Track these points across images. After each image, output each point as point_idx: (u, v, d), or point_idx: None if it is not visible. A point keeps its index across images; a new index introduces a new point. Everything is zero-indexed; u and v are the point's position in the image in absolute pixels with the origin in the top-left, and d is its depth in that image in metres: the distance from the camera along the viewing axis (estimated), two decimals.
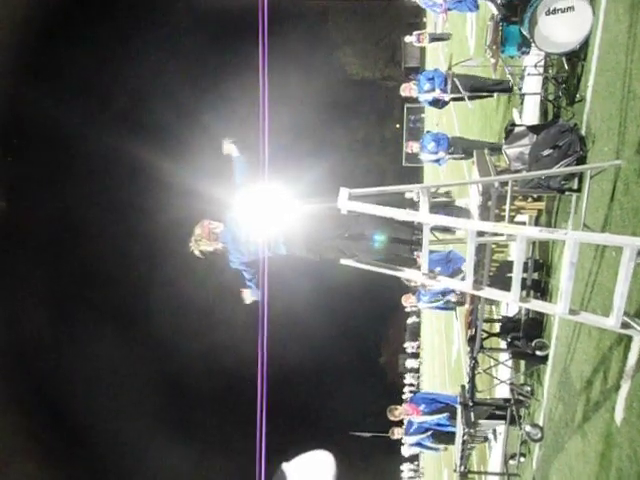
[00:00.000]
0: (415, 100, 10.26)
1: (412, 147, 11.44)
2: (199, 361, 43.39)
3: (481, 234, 4.77)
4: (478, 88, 8.74)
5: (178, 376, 44.02)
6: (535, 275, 6.95)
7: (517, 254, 4.16)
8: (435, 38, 16.80)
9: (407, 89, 9.70)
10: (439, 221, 4.42)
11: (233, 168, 5.23)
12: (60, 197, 42.26)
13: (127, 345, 41.88)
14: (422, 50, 33.94)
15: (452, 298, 9.86)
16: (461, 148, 9.70)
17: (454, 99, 9.14)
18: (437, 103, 9.48)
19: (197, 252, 5.08)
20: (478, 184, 6.06)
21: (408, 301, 11.87)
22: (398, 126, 43.87)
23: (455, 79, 8.57)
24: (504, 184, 5.83)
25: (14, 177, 42.10)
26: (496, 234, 5.14)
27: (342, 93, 46.80)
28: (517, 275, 4.14)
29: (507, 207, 5.58)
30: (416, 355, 43.16)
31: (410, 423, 8.68)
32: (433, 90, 9.07)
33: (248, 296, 5.21)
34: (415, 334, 43.41)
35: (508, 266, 6.49)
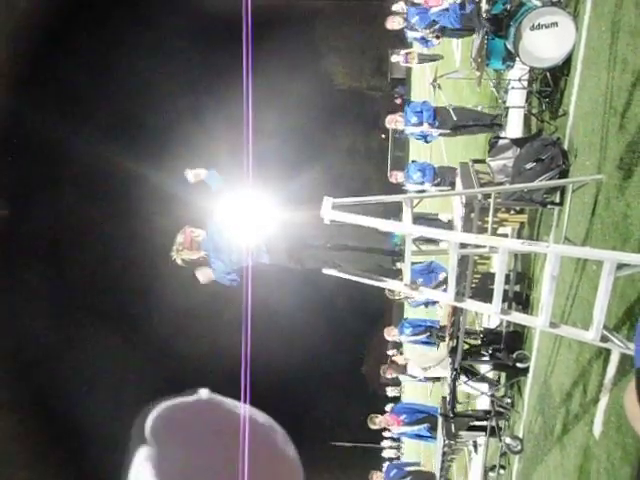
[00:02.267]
0: (401, 132, 10.11)
1: (397, 177, 11.06)
2: (200, 363, 43.26)
3: (464, 246, 4.79)
4: (473, 121, 8.59)
5: (179, 379, 43.75)
6: (517, 288, 6.99)
7: (499, 266, 4.18)
8: (424, 59, 16.40)
9: (393, 121, 9.45)
10: (422, 232, 4.43)
11: (206, 183, 5.18)
12: (60, 202, 41.92)
13: (129, 349, 41.54)
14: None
15: (436, 326, 9.69)
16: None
17: (443, 134, 8.95)
18: (424, 137, 9.24)
19: (179, 261, 5.03)
20: (461, 196, 6.09)
21: (391, 334, 11.27)
22: (384, 136, 44.06)
23: (451, 110, 8.41)
24: (487, 196, 5.87)
25: (14, 184, 41.66)
26: (478, 246, 5.16)
27: (328, 102, 46.87)
28: (499, 287, 4.16)
29: (490, 219, 5.60)
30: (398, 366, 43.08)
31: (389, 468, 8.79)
32: (420, 124, 8.83)
33: (205, 274, 5.06)
34: (398, 344, 43.39)
35: (490, 278, 6.52)
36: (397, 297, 8.24)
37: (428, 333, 9.72)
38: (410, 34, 9.57)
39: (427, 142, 9.63)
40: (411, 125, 8.98)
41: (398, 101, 38.87)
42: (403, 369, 10.77)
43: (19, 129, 40.32)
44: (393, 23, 9.72)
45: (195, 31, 41.87)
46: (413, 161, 11.22)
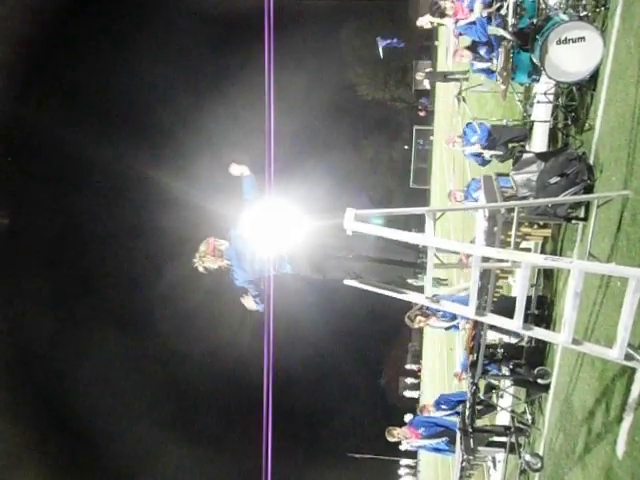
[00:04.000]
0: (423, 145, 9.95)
1: (456, 196, 10.70)
2: (204, 366, 43.39)
3: (486, 260, 4.76)
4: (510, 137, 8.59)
5: (183, 380, 43.96)
6: (537, 312, 6.89)
7: (521, 281, 4.14)
8: (449, 78, 15.94)
9: (451, 141, 9.54)
10: (444, 244, 4.42)
11: (242, 185, 5.25)
12: (61, 203, 42.43)
13: (131, 350, 41.89)
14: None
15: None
16: None
17: (497, 156, 8.88)
18: (479, 158, 9.18)
19: (201, 268, 5.09)
20: (484, 209, 6.06)
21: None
22: (407, 147, 44.03)
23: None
24: (510, 210, 5.83)
25: (15, 187, 42.30)
26: (501, 260, 5.13)
27: (351, 112, 47.03)
28: (521, 302, 4.12)
29: (513, 233, 5.56)
30: (416, 376, 42.97)
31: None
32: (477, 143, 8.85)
33: (250, 303, 5.20)
34: (417, 357, 43.22)
35: (509, 301, 6.46)
36: (417, 325, 8.17)
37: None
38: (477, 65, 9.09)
39: (482, 165, 9.48)
40: (471, 145, 8.96)
41: (422, 113, 38.83)
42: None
43: (22, 129, 40.85)
44: (462, 57, 9.15)
45: (214, 33, 42.09)
46: (473, 178, 10.75)
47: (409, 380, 43.46)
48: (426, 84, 13.99)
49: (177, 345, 42.86)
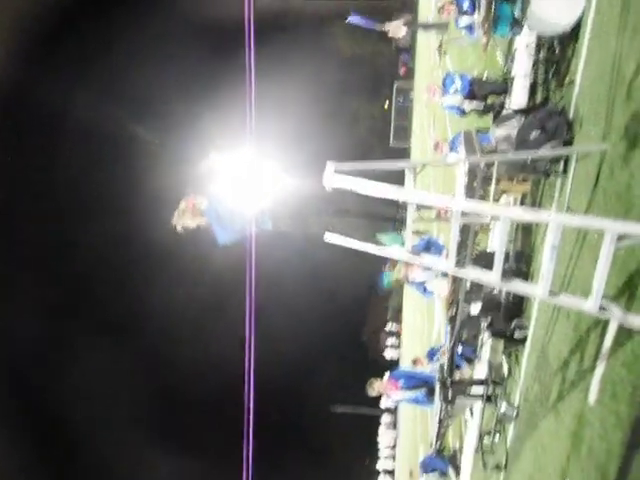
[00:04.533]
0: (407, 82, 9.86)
1: (442, 148, 10.39)
2: (191, 367, 43.76)
3: (465, 214, 4.78)
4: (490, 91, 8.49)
5: (171, 386, 44.27)
6: (514, 266, 6.97)
7: (500, 234, 4.18)
8: (429, 27, 15.74)
9: (431, 90, 9.33)
10: (424, 199, 4.42)
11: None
12: (54, 205, 41.69)
13: (120, 357, 41.87)
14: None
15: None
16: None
17: (475, 110, 8.75)
18: (458, 110, 9.03)
19: (179, 227, 5.03)
20: (464, 164, 6.06)
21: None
22: (386, 107, 43.62)
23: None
24: (490, 165, 5.84)
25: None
26: (480, 215, 5.16)
27: (331, 69, 46.32)
28: (499, 255, 4.17)
29: (492, 187, 5.59)
30: (397, 334, 43.67)
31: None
32: (457, 94, 8.69)
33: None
34: (397, 312, 43.84)
35: (487, 257, 6.52)
36: (397, 276, 8.21)
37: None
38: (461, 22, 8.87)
39: (461, 116, 9.30)
40: (450, 95, 8.82)
41: (402, 69, 38.40)
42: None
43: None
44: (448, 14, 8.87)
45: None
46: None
47: (390, 341, 44.19)
48: (405, 35, 13.66)
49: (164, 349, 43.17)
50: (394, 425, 42.32)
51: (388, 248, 4.62)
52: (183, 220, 4.97)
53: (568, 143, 5.59)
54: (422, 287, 8.68)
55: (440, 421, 7.53)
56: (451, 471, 9.94)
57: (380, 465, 41.53)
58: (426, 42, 23.21)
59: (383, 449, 42.39)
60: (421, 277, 8.27)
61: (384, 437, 42.76)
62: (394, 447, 41.34)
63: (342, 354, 48.73)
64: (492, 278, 4.27)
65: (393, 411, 42.01)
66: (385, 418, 43.10)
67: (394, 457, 40.70)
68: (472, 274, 4.43)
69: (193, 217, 4.96)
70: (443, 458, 10.23)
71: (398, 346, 42.14)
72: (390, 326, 44.64)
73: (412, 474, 12.03)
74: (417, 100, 32.91)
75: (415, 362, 9.68)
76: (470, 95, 8.62)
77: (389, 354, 41.49)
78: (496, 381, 7.11)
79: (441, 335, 15.15)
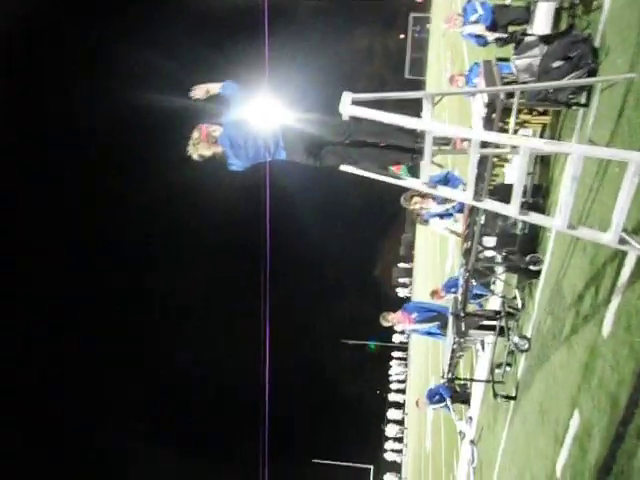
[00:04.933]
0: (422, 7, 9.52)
1: (457, 81, 9.96)
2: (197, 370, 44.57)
3: (484, 146, 4.69)
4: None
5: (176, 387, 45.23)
6: (532, 200, 6.89)
7: (520, 166, 4.11)
8: None
9: (451, 20, 8.98)
10: (442, 129, 4.34)
11: (224, 95, 4.98)
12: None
13: (123, 358, 42.51)
14: None
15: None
16: None
17: (498, 39, 8.36)
18: (479, 39, 8.69)
19: (195, 156, 4.97)
20: (483, 95, 5.91)
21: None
22: (402, 36, 42.37)
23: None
24: (510, 96, 5.69)
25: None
26: (499, 146, 5.06)
27: (345, 1, 44.99)
28: (518, 187, 4.11)
29: (512, 119, 5.45)
30: (409, 271, 43.98)
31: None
32: (478, 23, 8.34)
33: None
34: (410, 247, 44.00)
35: (504, 189, 6.44)
36: (412, 207, 8.11)
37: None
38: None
39: (483, 46, 8.95)
40: (470, 24, 8.51)
41: None
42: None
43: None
44: None
45: None
46: (476, 63, 10.25)
47: (401, 264, 44.48)
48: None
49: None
50: (405, 360, 43.21)
51: (405, 179, 4.57)
52: (198, 149, 4.91)
53: (593, 73, 5.40)
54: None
55: (452, 351, 7.65)
56: (450, 401, 10.15)
57: (391, 397, 42.62)
58: None
59: (394, 383, 43.45)
60: (436, 210, 8.21)
61: (395, 371, 43.75)
62: (404, 382, 42.30)
63: (354, 288, 49.36)
64: (510, 210, 4.23)
65: (405, 347, 42.84)
66: (396, 353, 44.00)
67: (405, 391, 41.71)
68: (490, 206, 4.39)
69: (208, 145, 4.89)
70: (450, 389, 10.46)
71: (410, 284, 42.54)
72: (402, 264, 44.93)
73: (418, 403, 12.38)
74: (434, 31, 31.88)
75: (433, 294, 9.73)
76: (492, 26, 8.31)
77: (401, 292, 41.95)
78: (510, 313, 7.17)
79: (455, 270, 15.23)
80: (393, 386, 43.10)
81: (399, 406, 41.22)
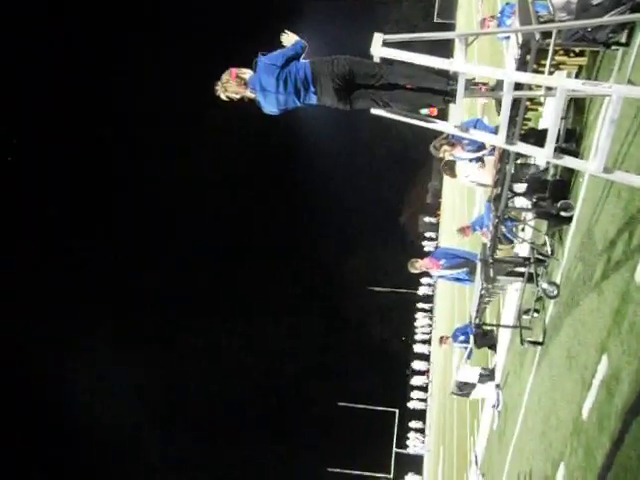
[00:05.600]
0: None
1: (489, 25, 9.86)
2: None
3: (518, 88, 4.58)
4: None
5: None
6: (564, 145, 6.74)
7: (555, 108, 4.01)
8: None
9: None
10: (475, 70, 4.24)
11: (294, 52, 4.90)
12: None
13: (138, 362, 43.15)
14: None
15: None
16: None
17: None
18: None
19: (223, 96, 4.94)
20: (518, 34, 5.73)
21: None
22: None
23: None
24: (546, 36, 5.49)
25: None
26: (532, 89, 4.94)
27: None
28: (553, 130, 4.03)
29: (548, 60, 5.29)
30: (436, 215, 43.73)
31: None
32: None
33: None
34: (437, 196, 43.66)
35: (537, 134, 6.29)
36: (442, 154, 7.97)
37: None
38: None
39: None
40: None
41: None
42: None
43: None
44: None
45: None
46: (507, 3, 9.88)
47: (427, 219, 44.28)
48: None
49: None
50: (430, 312, 43.44)
51: (436, 122, 4.50)
52: (227, 89, 4.87)
53: (636, 9, 5.17)
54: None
55: (480, 297, 7.66)
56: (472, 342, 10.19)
57: (417, 348, 43.00)
58: None
59: (420, 333, 43.81)
60: (465, 156, 8.09)
61: (420, 321, 44.05)
62: (430, 333, 42.59)
63: (380, 235, 49.42)
64: (544, 153, 4.16)
65: (431, 298, 43.01)
66: (420, 306, 44.20)
67: (430, 342, 42.03)
68: (522, 149, 4.32)
69: (237, 88, 4.86)
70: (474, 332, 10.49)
71: (436, 239, 42.37)
72: (428, 218, 44.68)
73: (442, 339, 12.53)
74: None
75: (462, 230, 9.68)
76: None
77: (428, 246, 41.87)
78: (539, 259, 7.12)
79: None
80: (418, 337, 43.46)
81: (424, 357, 41.66)
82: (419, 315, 44.28)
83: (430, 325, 42.54)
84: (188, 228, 46.65)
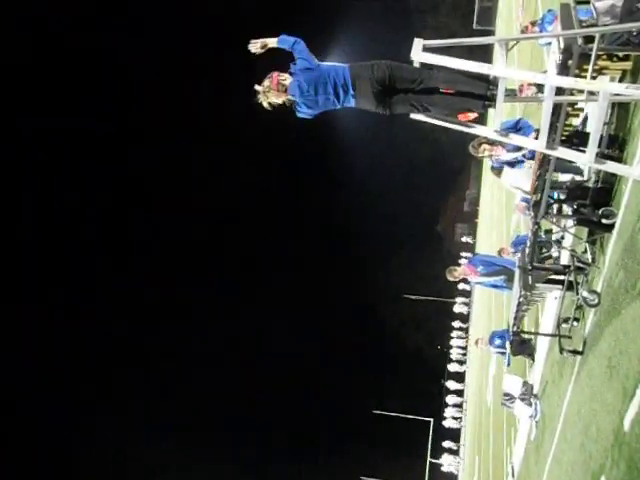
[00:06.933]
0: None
1: (531, 32, 9.59)
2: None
3: (559, 93, 4.55)
4: None
5: None
6: (607, 151, 6.63)
7: (597, 112, 3.98)
8: None
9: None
10: (515, 75, 4.23)
11: (282, 47, 4.96)
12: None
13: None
14: None
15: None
16: None
17: None
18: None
19: (265, 104, 5.04)
20: (559, 39, 5.68)
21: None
22: None
23: None
24: (588, 41, 5.43)
25: None
26: (573, 94, 4.90)
27: None
28: (595, 134, 3.99)
29: (591, 65, 5.22)
30: (473, 224, 43.32)
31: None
32: None
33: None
34: (474, 204, 43.29)
35: (578, 138, 6.20)
36: (481, 154, 7.92)
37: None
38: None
39: None
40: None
41: None
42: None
43: None
44: None
45: None
46: (549, 10, 9.77)
47: (464, 239, 43.89)
48: None
49: None
50: (466, 330, 42.87)
51: (475, 126, 4.50)
52: (269, 97, 4.96)
53: None
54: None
55: (518, 305, 7.57)
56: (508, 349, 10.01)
57: (451, 368, 42.39)
58: None
59: (455, 339, 43.23)
60: (506, 157, 8.01)
61: (456, 341, 43.44)
62: (464, 354, 41.99)
63: (416, 243, 49.18)
64: (585, 158, 4.12)
65: (468, 295, 42.47)
66: (459, 300, 43.54)
67: (465, 349, 41.48)
68: (564, 154, 4.28)
69: (278, 94, 4.94)
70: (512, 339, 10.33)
71: (473, 244, 41.92)
72: (464, 228, 44.30)
73: (477, 342, 12.46)
74: None
75: (501, 252, 9.63)
76: None
77: (464, 254, 41.45)
78: (579, 267, 7.01)
79: (520, 226, 14.91)
80: (455, 342, 42.89)
81: (459, 378, 41.02)
82: (454, 334, 43.64)
83: (464, 347, 41.96)
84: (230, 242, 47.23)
